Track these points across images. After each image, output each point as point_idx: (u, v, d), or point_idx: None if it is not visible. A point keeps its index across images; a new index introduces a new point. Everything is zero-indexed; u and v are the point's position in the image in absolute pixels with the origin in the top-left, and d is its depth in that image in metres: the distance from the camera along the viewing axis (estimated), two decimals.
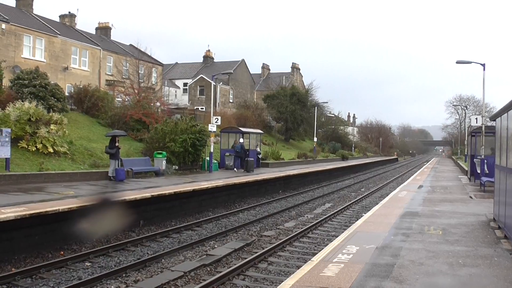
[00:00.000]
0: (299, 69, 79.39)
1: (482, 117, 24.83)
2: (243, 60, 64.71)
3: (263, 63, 77.48)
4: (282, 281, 7.05)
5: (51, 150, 19.97)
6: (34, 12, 39.02)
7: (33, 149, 19.59)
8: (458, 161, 55.14)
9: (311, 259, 8.12)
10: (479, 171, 22.61)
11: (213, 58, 66.55)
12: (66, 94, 29.95)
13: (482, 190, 20.26)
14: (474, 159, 24.39)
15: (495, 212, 11.67)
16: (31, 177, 17.33)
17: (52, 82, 25.70)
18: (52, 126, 20.31)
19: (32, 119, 19.82)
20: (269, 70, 78.28)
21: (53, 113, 21.29)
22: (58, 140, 20.58)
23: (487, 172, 21.16)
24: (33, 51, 34.46)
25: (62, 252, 11.25)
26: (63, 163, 20.21)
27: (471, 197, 18.06)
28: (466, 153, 44.86)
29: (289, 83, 67.81)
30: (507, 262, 7.84)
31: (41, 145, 19.76)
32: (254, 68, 77.77)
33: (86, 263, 10.41)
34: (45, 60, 35.09)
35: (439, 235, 10.09)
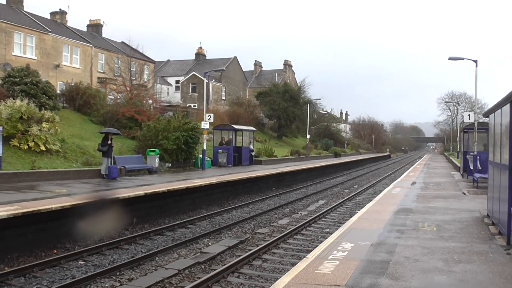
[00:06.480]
0: (291, 66, 78.93)
1: (474, 113, 24.93)
2: (235, 57, 64.54)
3: (255, 60, 77.11)
4: (277, 279, 7.03)
5: (43, 148, 19.83)
6: (24, 9, 38.63)
7: (25, 147, 19.44)
8: (451, 158, 55.47)
9: (306, 256, 8.09)
10: (472, 168, 22.71)
11: (205, 55, 66.25)
12: (58, 91, 29.75)
13: (475, 186, 20.36)
14: (467, 156, 24.48)
15: (489, 208, 11.71)
16: (23, 176, 17.18)
17: (43, 79, 25.49)
18: (44, 124, 20.17)
19: (23, 117, 19.66)
20: (261, 67, 77.88)
21: (45, 111, 21.13)
22: (50, 138, 20.43)
23: (480, 168, 21.27)
24: (24, 48, 34.13)
25: (55, 251, 11.17)
26: (55, 161, 20.07)
27: (464, 193, 18.13)
28: (458, 150, 45.10)
29: (282, 80, 67.68)
30: (502, 258, 7.86)
31: (33, 143, 19.61)
32: (246, 66, 77.51)
33: (80, 262, 10.33)
34: (36, 58, 34.77)
35: (434, 232, 10.11)
